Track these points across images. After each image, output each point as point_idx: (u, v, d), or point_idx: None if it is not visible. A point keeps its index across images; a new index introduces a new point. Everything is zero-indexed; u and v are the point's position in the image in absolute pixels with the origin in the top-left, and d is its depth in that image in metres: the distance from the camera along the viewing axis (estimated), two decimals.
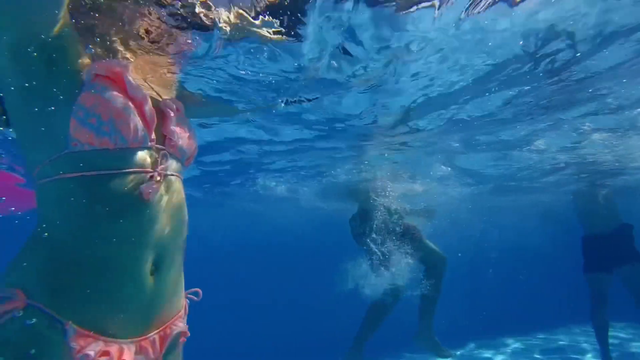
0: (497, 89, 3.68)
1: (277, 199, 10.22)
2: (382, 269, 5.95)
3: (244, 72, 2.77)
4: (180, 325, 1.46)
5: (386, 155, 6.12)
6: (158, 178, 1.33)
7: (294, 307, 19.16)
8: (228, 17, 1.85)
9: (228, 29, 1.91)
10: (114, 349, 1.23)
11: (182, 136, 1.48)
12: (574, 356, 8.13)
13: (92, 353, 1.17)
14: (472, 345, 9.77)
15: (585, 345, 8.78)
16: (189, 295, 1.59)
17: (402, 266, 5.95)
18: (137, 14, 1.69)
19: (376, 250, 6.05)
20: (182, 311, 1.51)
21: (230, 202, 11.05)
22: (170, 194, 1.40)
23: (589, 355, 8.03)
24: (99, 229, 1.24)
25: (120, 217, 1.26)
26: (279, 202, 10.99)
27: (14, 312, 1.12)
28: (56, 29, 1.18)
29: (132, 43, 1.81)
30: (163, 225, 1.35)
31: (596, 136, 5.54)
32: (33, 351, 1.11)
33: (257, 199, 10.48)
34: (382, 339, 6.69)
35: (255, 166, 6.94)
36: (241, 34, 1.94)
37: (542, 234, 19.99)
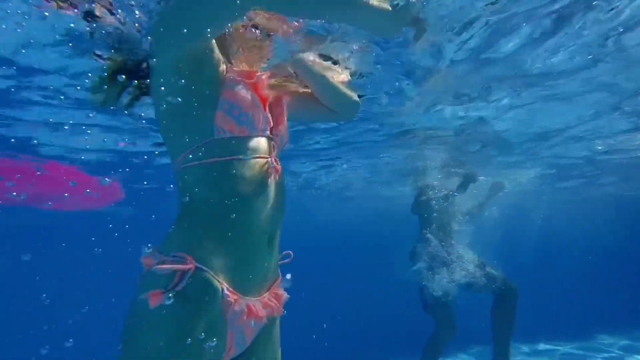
0: None
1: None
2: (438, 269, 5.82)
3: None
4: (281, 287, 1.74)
5: None
6: (274, 163, 1.60)
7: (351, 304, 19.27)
8: None
9: None
10: (250, 304, 1.50)
11: (285, 126, 1.75)
12: None
13: (242, 307, 1.45)
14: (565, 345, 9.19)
15: None
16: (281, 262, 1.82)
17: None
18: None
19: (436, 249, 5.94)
20: (279, 277, 1.77)
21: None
22: (279, 176, 1.66)
23: None
24: (237, 204, 1.49)
25: (253, 194, 1.52)
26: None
27: (188, 272, 1.36)
28: (209, 46, 1.51)
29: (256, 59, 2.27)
30: (276, 202, 1.62)
31: None
32: (202, 306, 1.36)
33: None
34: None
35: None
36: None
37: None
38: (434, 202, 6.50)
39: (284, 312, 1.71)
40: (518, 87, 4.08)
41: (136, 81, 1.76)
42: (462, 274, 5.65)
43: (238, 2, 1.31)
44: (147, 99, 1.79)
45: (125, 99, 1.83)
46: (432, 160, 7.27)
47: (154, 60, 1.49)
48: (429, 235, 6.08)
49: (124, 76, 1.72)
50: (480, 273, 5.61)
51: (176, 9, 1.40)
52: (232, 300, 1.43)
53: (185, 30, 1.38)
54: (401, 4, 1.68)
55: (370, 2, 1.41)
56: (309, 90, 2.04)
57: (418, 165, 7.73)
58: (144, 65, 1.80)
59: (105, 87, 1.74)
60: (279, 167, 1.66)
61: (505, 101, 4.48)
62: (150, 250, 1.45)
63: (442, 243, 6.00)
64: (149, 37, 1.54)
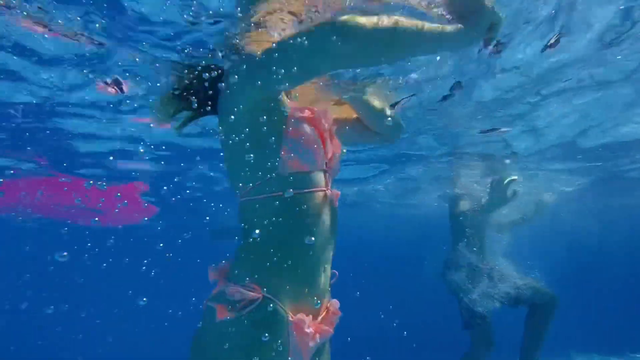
0: None
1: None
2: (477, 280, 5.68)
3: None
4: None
5: None
6: (329, 193, 1.70)
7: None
8: None
9: None
10: (312, 327, 1.59)
11: (337, 157, 1.84)
12: None
13: (304, 331, 1.54)
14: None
15: None
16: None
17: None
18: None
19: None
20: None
21: None
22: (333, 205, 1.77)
23: None
24: (299, 235, 1.60)
25: (313, 225, 1.62)
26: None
27: (257, 301, 1.49)
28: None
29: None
30: (332, 228, 1.72)
31: None
32: (269, 331, 1.48)
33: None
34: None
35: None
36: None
37: None
38: (469, 211, 6.34)
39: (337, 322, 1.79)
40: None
41: (198, 106, 1.88)
42: (507, 287, 5.46)
43: (347, 57, 1.40)
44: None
45: (178, 120, 1.96)
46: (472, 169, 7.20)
47: (231, 96, 1.59)
48: (464, 245, 5.93)
49: (193, 97, 1.84)
50: (524, 286, 5.43)
51: (284, 58, 1.46)
52: (295, 325, 1.53)
53: (283, 77, 1.47)
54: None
55: (448, 29, 1.37)
56: (355, 116, 2.14)
57: (452, 174, 7.68)
58: (211, 93, 1.89)
59: (170, 106, 1.87)
60: (336, 194, 1.75)
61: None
62: (221, 267, 1.64)
63: (480, 255, 5.83)
64: (236, 76, 1.60)
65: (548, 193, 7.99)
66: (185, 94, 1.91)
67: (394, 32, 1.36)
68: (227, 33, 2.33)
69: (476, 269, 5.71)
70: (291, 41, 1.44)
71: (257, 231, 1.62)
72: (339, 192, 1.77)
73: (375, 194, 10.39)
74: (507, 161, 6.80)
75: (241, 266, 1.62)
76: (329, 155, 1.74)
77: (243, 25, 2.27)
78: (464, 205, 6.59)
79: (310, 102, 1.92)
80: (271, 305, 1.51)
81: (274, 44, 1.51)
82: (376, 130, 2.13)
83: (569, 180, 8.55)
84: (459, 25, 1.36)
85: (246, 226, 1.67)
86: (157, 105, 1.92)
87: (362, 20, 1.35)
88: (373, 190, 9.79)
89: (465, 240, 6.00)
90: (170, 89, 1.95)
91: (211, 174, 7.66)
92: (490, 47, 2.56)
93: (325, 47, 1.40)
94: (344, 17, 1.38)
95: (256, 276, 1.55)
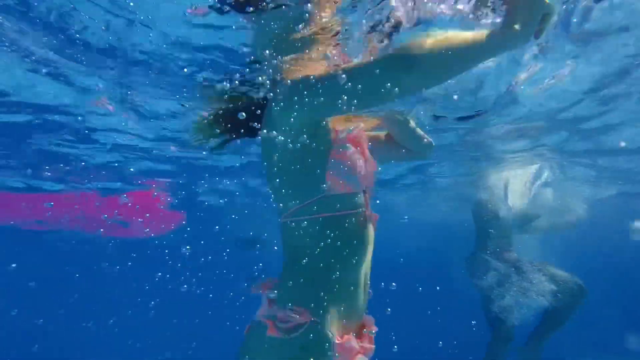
0: None
1: None
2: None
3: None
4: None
5: None
6: (369, 214, 1.73)
7: None
8: None
9: None
10: (355, 345, 1.63)
11: (374, 177, 1.86)
12: None
13: (348, 351, 1.58)
14: None
15: None
16: None
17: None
18: None
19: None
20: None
21: None
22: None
23: None
24: (343, 256, 1.63)
25: (356, 244, 1.66)
26: None
27: (305, 324, 1.55)
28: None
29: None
30: (371, 247, 1.76)
31: None
32: (316, 353, 1.53)
33: None
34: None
35: None
36: None
37: None
38: (495, 215, 6.17)
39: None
40: None
41: (240, 129, 1.92)
42: (544, 296, 5.27)
43: (414, 85, 1.45)
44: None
45: (214, 142, 2.01)
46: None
47: (279, 119, 1.60)
48: (492, 249, 5.80)
49: (243, 114, 1.87)
50: (559, 289, 5.20)
51: (346, 86, 1.45)
52: (341, 347, 1.57)
53: (341, 104, 1.49)
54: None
55: (502, 30, 1.32)
56: (385, 134, 2.17)
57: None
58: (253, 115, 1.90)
59: (213, 129, 1.92)
60: (375, 217, 1.78)
61: None
62: (265, 282, 1.70)
63: (509, 258, 5.69)
64: (283, 101, 1.58)
65: (577, 208, 7.73)
66: (229, 117, 1.95)
67: (456, 52, 1.36)
68: (276, 61, 2.34)
69: (505, 274, 5.56)
70: (356, 71, 1.47)
71: (294, 251, 1.66)
72: (378, 215, 1.79)
73: (392, 204, 10.35)
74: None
75: (287, 287, 1.65)
76: (369, 174, 1.76)
77: (288, 55, 2.29)
78: (492, 208, 6.41)
79: (344, 122, 1.95)
80: (318, 327, 1.55)
81: (335, 72, 1.48)
82: (410, 148, 2.15)
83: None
84: (513, 24, 1.31)
85: (290, 246, 1.70)
86: (200, 126, 1.98)
87: (424, 47, 1.37)
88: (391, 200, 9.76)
89: (493, 243, 5.85)
90: (215, 112, 1.99)
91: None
92: (541, 38, 2.59)
93: (393, 78, 1.42)
94: (406, 47, 1.43)
95: (303, 298, 1.59)
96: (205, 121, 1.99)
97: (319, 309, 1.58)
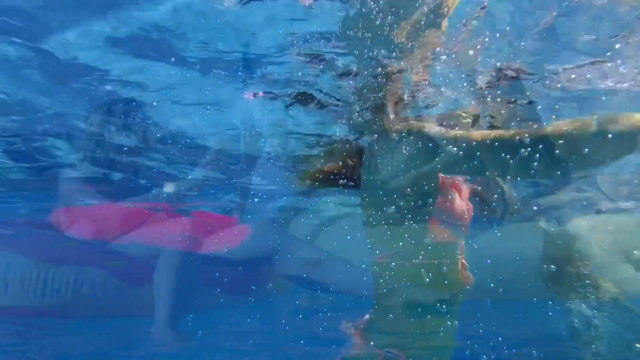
0: None
1: None
2: None
3: None
4: None
5: None
6: (465, 262, 1.72)
7: None
8: None
9: None
10: None
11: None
12: None
13: None
14: None
15: None
16: None
17: None
18: None
19: None
20: None
21: None
22: None
23: None
24: (439, 299, 1.67)
25: (449, 291, 1.67)
26: None
27: None
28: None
29: None
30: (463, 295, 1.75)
31: None
32: None
33: None
34: None
35: None
36: None
37: None
38: None
39: None
40: None
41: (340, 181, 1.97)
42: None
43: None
44: None
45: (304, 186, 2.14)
46: None
47: (389, 170, 1.64)
48: None
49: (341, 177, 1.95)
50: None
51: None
52: None
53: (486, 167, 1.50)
54: None
55: None
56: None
57: None
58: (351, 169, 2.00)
59: (316, 180, 2.02)
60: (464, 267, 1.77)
61: None
62: (357, 322, 1.78)
63: None
64: (397, 154, 1.59)
65: None
66: (332, 171, 2.03)
67: None
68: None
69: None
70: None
71: (385, 292, 1.70)
72: (466, 264, 1.77)
73: None
74: None
75: (381, 329, 1.71)
76: (468, 222, 1.73)
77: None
78: None
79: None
80: None
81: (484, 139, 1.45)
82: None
83: None
84: None
85: (383, 288, 1.74)
86: (306, 177, 2.13)
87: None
88: None
89: None
90: (320, 166, 2.10)
91: None
92: None
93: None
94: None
95: (397, 340, 1.65)
96: (311, 174, 2.11)
97: (413, 349, 1.62)
